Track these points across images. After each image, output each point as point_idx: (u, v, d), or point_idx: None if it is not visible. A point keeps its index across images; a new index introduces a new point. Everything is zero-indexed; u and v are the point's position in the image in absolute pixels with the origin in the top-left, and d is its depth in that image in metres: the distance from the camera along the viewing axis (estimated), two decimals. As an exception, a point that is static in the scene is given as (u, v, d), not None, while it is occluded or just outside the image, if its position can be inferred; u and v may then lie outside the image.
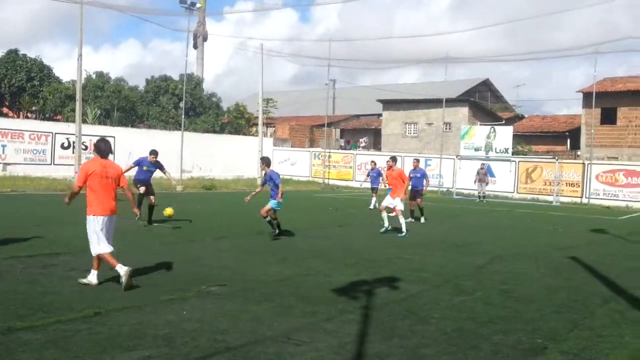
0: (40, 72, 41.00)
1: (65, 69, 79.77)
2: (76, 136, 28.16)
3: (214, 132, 42.42)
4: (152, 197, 14.41)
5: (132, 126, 40.04)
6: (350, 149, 46.30)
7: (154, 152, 15.07)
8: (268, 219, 13.01)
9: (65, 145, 31.72)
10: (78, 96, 27.79)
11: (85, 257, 9.58)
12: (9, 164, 28.79)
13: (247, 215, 18.13)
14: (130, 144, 34.26)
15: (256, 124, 41.32)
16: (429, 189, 21.56)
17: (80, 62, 27.32)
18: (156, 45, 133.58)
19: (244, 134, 45.25)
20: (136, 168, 14.73)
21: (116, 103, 40.25)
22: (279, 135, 47.83)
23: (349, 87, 62.91)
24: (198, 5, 38.80)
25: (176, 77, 44.70)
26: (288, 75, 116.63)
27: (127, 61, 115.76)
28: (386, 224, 14.74)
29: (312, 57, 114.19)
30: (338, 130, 52.50)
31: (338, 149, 45.47)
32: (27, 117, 40.77)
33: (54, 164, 30.88)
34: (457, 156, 34.77)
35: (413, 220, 17.67)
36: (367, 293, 7.95)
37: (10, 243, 10.62)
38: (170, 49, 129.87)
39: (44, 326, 5.79)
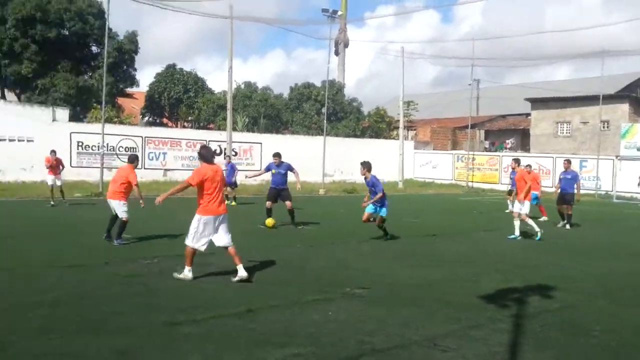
0: (195, 85, 44.02)
1: (217, 81, 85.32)
2: (227, 143, 29.92)
3: (355, 136, 42.93)
4: (287, 203, 14.63)
5: (277, 133, 41.67)
6: (495, 151, 44.62)
7: (276, 155, 15.31)
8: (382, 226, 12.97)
9: (218, 152, 33.79)
10: (229, 106, 29.54)
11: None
12: (169, 169, 31.26)
13: (389, 219, 18.12)
14: (276, 150, 35.68)
15: (397, 128, 41.19)
16: (582, 191, 19.96)
17: (231, 74, 28.99)
18: (300, 54, 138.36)
19: (385, 137, 45.30)
20: (269, 173, 15.13)
21: (263, 111, 42.14)
22: (420, 138, 47.31)
23: (493, 87, 60.69)
24: (339, 13, 39.52)
25: (319, 84, 45.87)
26: (429, 77, 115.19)
27: (273, 70, 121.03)
28: (516, 232, 13.89)
29: (454, 57, 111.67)
30: (482, 132, 50.82)
31: (482, 151, 44.00)
32: (183, 127, 44.01)
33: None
34: (616, 157, 32.15)
35: (563, 224, 16.58)
36: (517, 301, 7.59)
37: (171, 244, 11.48)
38: (313, 57, 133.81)
39: (202, 320, 6.19)
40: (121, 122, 35.01)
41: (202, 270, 8.88)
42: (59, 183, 18.63)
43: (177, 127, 43.83)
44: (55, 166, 18.57)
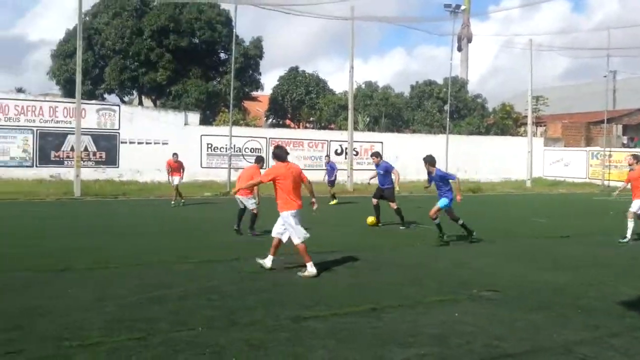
0: (317, 86, 44.85)
1: (338, 81, 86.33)
2: (348, 143, 30.20)
3: (479, 133, 41.64)
4: (390, 204, 14.46)
5: (398, 131, 41.41)
6: (635, 147, 41.36)
7: (373, 154, 15.32)
8: (437, 220, 11.89)
9: (339, 151, 34.19)
10: (350, 106, 29.80)
11: (358, 256, 10.17)
12: (292, 169, 32.16)
13: (516, 219, 17.39)
14: (397, 149, 35.53)
15: (524, 124, 39.48)
16: None
17: (352, 74, 29.25)
18: (421, 52, 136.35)
19: (511, 134, 43.53)
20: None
21: (384, 110, 42.06)
22: (550, 135, 44.96)
23: (632, 78, 56.29)
24: (463, 7, 38.56)
25: (440, 81, 45.02)
26: (559, 70, 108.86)
27: (393, 69, 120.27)
28: (628, 234, 12.60)
29: (587, 48, 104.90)
30: (620, 127, 47.30)
31: (620, 147, 40.97)
32: (306, 127, 44.98)
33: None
34: None
35: None
36: (663, 309, 6.98)
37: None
38: (434, 53, 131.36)
39: (326, 317, 6.27)
40: (247, 125, 36.46)
41: (324, 267, 9.01)
42: (176, 182, 19.28)
43: (299, 128, 44.91)
44: (177, 169, 19.41)
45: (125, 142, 29.25)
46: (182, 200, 19.34)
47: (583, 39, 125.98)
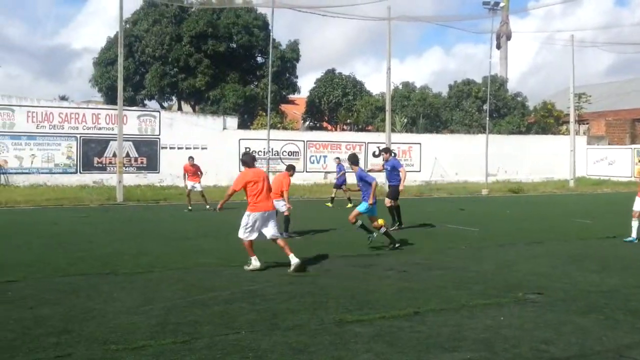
0: (354, 88, 44.79)
1: (375, 83, 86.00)
2: (386, 144, 30.01)
3: (520, 133, 40.93)
4: (386, 199, 14.11)
5: (437, 132, 41.02)
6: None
7: (382, 150, 15.29)
8: (358, 223, 11.14)
9: (377, 153, 34.03)
10: (387, 107, 29.63)
11: (401, 258, 10.10)
12: (329, 172, 32.08)
13: (560, 219, 17.02)
14: (435, 150, 35.20)
15: (567, 122, 38.65)
16: None
17: (389, 75, 29.07)
18: (459, 50, 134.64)
19: (553, 133, 42.66)
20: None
21: (421, 111, 41.73)
22: (593, 133, 43.89)
23: (679, 73, 54.51)
24: (501, 4, 37.97)
25: (479, 80, 44.45)
26: (603, 66, 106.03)
27: (430, 69, 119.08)
28: (633, 234, 12.19)
29: (631, 43, 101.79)
30: (666, 123, 45.87)
31: (667, 145, 39.72)
32: (343, 130, 44.95)
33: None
34: None
35: None
36: None
37: (335, 244, 11.75)
38: (472, 52, 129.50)
39: (370, 321, 6.23)
40: (284, 128, 36.63)
41: (366, 270, 8.98)
42: (199, 188, 19.21)
43: (336, 130, 44.91)
44: (194, 173, 19.31)
45: (166, 148, 29.71)
46: (207, 206, 18.79)
47: (627, 33, 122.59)
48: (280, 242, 9.25)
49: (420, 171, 34.53)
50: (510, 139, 37.90)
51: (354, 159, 11.44)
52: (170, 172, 29.10)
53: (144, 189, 26.57)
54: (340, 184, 21.03)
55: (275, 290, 7.71)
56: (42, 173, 28.13)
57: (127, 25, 37.44)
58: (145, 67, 38.58)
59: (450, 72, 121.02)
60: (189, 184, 19.28)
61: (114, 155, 27.48)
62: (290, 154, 32.30)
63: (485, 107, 35.57)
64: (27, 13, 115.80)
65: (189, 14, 37.91)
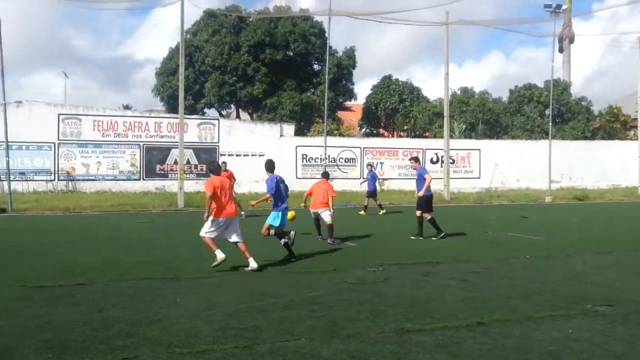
0: (411, 94, 44.46)
1: (432, 88, 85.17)
2: (444, 151, 29.60)
3: (584, 138, 39.64)
4: (417, 211, 13.81)
5: (497, 138, 40.19)
6: None
7: (411, 159, 14.86)
8: (270, 234, 10.91)
9: (434, 159, 33.63)
10: (445, 113, 29.24)
11: (461, 267, 9.90)
12: (386, 179, 31.91)
13: (630, 228, 16.34)
14: (495, 156, 34.48)
15: (634, 127, 37.15)
16: None
17: (447, 80, 28.71)
18: (519, 54, 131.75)
19: (620, 138, 41.13)
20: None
21: (480, 116, 41.00)
22: (662, 138, 42.02)
23: None
24: (564, 7, 36.87)
25: (541, 85, 43.36)
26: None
27: (490, 73, 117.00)
28: None
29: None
30: None
31: None
32: (400, 136, 44.65)
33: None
34: None
35: None
36: None
37: (391, 252, 11.62)
38: (533, 56, 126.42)
39: (432, 330, 6.10)
40: (341, 135, 36.69)
41: (425, 279, 8.83)
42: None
43: (393, 136, 44.63)
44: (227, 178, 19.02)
45: (225, 155, 30.24)
46: (242, 212, 18.33)
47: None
48: (241, 245, 9.68)
49: (479, 177, 33.91)
50: (574, 144, 36.79)
51: (268, 166, 11.30)
52: (229, 178, 29.55)
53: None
54: (372, 191, 20.77)
55: (334, 297, 7.67)
56: (107, 180, 29.16)
57: (188, 36, 38.43)
58: (204, 76, 39.47)
59: (511, 77, 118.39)
60: None
61: (176, 162, 28.21)
62: (347, 160, 32.31)
63: (548, 111, 34.65)
64: (93, 25, 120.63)
65: (247, 24, 38.58)
